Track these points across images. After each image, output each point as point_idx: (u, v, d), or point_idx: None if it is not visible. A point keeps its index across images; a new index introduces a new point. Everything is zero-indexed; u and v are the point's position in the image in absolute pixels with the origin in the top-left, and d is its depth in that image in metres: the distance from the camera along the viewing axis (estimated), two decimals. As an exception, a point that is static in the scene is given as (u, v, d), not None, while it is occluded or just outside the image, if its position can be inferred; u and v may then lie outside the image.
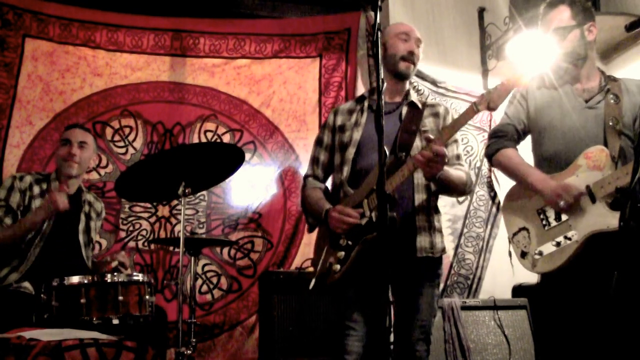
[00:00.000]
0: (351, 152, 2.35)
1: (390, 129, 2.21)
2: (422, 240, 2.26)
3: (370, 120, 2.38)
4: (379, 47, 2.27)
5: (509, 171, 2.40)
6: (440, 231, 2.33)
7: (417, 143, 2.27)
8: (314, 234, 2.50)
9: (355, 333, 2.23)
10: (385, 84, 2.35)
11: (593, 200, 2.11)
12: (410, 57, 2.38)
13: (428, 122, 2.36)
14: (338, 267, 2.22)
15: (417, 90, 3.95)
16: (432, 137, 2.10)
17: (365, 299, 2.24)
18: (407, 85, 2.47)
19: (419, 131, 2.29)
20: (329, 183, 2.55)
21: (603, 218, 2.05)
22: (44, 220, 2.72)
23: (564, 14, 2.33)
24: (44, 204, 2.68)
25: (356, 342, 2.23)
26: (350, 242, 2.22)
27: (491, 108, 2.04)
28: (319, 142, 2.52)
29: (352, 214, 2.20)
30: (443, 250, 2.33)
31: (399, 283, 2.21)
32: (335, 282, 2.24)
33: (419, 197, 2.28)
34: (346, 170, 2.35)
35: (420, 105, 2.37)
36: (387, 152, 2.09)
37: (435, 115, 2.40)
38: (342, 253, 2.23)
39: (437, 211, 2.36)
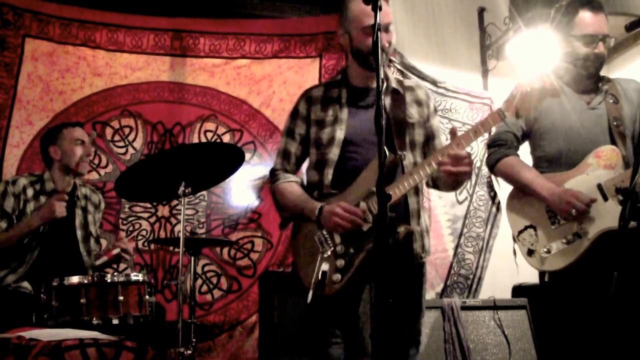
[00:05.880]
0: (335, 152, 2.15)
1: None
2: (418, 247, 2.16)
3: (353, 115, 2.19)
4: (346, 35, 2.16)
5: (512, 180, 2.40)
6: (428, 232, 2.23)
7: (407, 137, 2.17)
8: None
9: (340, 340, 2.10)
10: (355, 70, 2.24)
11: (605, 198, 2.10)
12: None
13: (414, 112, 2.21)
14: (339, 276, 2.00)
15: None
16: (457, 133, 1.96)
17: (352, 304, 2.13)
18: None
19: (407, 123, 2.18)
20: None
21: (615, 216, 2.02)
22: (41, 225, 2.71)
23: (603, 22, 2.30)
24: (42, 210, 2.68)
25: (341, 349, 2.10)
26: (352, 250, 2.02)
27: (519, 116, 1.92)
28: (289, 133, 2.27)
29: (359, 213, 1.99)
30: (429, 251, 2.24)
31: (385, 288, 2.11)
32: (335, 294, 2.01)
33: (412, 201, 2.15)
34: (329, 171, 2.15)
35: (401, 90, 2.24)
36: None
37: (419, 103, 2.25)
38: (342, 261, 2.02)
39: (424, 210, 2.25)
